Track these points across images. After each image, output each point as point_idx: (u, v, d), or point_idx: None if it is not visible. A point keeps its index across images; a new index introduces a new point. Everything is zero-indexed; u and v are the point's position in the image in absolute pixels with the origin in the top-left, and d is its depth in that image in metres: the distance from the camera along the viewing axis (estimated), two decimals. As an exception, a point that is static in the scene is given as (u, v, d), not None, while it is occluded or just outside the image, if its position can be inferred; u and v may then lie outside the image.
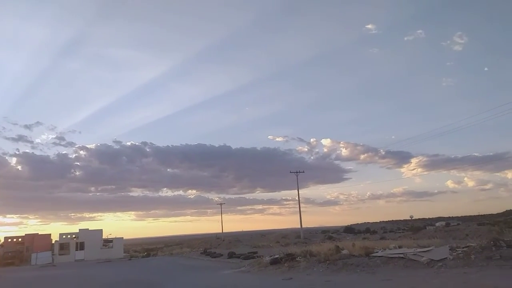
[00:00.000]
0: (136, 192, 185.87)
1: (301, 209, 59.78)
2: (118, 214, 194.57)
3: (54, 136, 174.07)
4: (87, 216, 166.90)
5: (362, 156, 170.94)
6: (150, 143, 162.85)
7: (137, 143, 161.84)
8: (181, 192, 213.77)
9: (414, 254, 14.07)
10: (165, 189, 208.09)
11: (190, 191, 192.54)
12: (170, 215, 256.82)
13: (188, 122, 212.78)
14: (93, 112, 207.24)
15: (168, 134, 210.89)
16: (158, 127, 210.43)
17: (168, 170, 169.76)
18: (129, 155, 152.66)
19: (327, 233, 78.46)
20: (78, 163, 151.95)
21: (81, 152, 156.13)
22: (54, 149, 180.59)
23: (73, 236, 46.28)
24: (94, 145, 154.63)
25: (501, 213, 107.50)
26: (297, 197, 60.45)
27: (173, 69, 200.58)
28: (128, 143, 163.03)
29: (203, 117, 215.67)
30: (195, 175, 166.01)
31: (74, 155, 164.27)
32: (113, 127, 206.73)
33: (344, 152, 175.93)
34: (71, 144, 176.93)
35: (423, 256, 13.71)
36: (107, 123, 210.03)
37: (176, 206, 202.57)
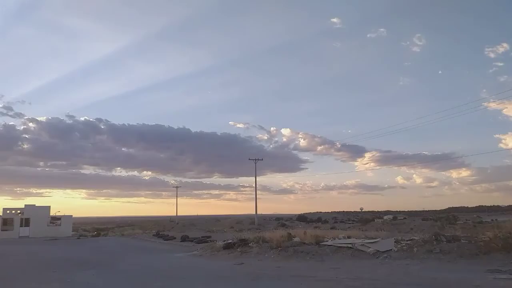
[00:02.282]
0: (88, 170, 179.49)
1: (257, 196, 60.37)
2: (68, 191, 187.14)
3: (0, 105, 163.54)
4: (34, 191, 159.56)
5: (319, 148, 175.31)
6: (105, 120, 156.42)
7: (91, 119, 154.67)
8: (135, 173, 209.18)
9: (361, 245, 14.57)
10: (119, 168, 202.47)
11: (145, 172, 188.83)
12: (123, 195, 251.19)
13: (147, 101, 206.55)
14: (46, 83, 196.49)
15: (125, 112, 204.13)
16: (115, 104, 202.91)
17: (123, 149, 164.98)
18: (82, 131, 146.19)
19: (281, 221, 79.96)
20: (26, 136, 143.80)
21: (30, 124, 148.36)
22: (0, 119, 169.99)
23: (18, 211, 44.08)
24: (45, 118, 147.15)
25: (444, 209, 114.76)
26: (254, 184, 60.85)
27: (133, 45, 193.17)
28: (82, 119, 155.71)
29: (162, 98, 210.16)
30: (151, 156, 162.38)
31: (22, 127, 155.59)
32: (66, 100, 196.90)
33: (302, 142, 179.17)
34: (19, 115, 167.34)
35: (369, 247, 14.21)
36: (60, 96, 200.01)
37: (130, 186, 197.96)
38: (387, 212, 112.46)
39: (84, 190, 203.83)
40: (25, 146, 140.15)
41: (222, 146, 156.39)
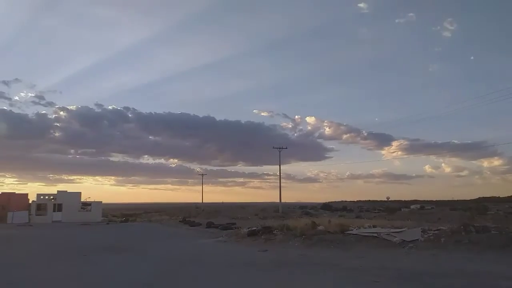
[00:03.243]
0: (117, 157, 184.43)
1: (281, 184, 60.75)
2: (98, 178, 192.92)
3: (33, 95, 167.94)
4: (66, 178, 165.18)
5: (344, 136, 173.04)
6: (133, 108, 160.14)
7: (119, 108, 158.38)
8: (162, 161, 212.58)
9: (387, 234, 14.47)
10: (146, 156, 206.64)
11: (171, 160, 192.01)
12: (150, 182, 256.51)
13: (172, 90, 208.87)
14: (74, 72, 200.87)
15: (151, 101, 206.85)
16: (141, 93, 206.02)
17: (150, 137, 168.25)
18: (111, 119, 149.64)
19: (305, 209, 79.51)
20: (57, 124, 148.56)
21: (61, 113, 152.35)
22: (33, 108, 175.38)
23: (51, 197, 45.87)
24: (74, 106, 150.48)
25: (474, 199, 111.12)
26: (279, 172, 61.39)
27: (159, 35, 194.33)
28: (110, 107, 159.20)
29: (187, 86, 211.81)
30: (177, 144, 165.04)
31: (53, 116, 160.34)
32: (94, 89, 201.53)
33: (328, 131, 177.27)
34: (51, 104, 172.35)
35: (395, 237, 14.10)
36: (89, 85, 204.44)
37: (156, 174, 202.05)
38: (414, 202, 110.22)
39: (112, 177, 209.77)
40: (57, 134, 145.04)
41: (247, 134, 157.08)
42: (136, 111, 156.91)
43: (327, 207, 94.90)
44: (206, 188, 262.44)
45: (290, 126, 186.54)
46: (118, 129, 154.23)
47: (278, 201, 60.53)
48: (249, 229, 19.60)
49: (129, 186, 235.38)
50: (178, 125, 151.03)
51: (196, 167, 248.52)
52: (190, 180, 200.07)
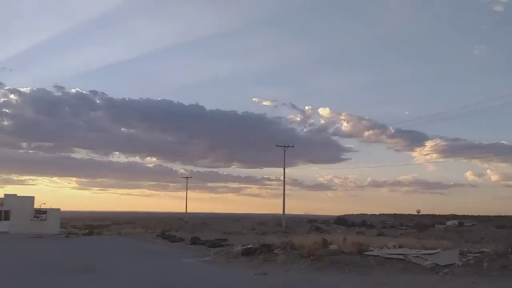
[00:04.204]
0: (80, 154, 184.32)
1: (286, 191, 60.82)
2: (56, 179, 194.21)
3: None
4: (16, 178, 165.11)
5: (366, 133, 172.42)
6: (102, 93, 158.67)
7: (84, 92, 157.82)
8: (137, 159, 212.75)
9: (416, 257, 14.58)
10: (117, 153, 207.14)
11: (149, 158, 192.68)
12: (122, 186, 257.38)
13: (152, 71, 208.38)
14: (30, 46, 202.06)
15: (125, 83, 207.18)
16: (113, 74, 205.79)
17: (122, 129, 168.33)
18: (74, 106, 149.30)
19: (314, 223, 79.93)
20: (6, 110, 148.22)
21: (12, 96, 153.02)
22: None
23: (-4, 202, 45.88)
24: (28, 89, 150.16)
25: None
26: (283, 176, 61.19)
27: (137, 1, 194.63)
28: (73, 91, 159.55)
29: (171, 67, 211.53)
30: (156, 139, 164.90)
31: (1, 100, 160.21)
32: (54, 68, 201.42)
33: (345, 126, 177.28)
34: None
35: (426, 260, 14.21)
36: (48, 62, 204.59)
37: (130, 175, 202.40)
38: (451, 217, 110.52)
39: (74, 179, 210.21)
40: (5, 123, 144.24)
41: (244, 128, 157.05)
42: (105, 96, 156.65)
43: (342, 221, 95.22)
44: (192, 194, 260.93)
45: (299, 119, 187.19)
46: (83, 119, 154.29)
47: (281, 212, 60.64)
48: (244, 246, 19.70)
49: (95, 190, 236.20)
50: (158, 115, 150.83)
51: (180, 168, 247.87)
52: (171, 185, 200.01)
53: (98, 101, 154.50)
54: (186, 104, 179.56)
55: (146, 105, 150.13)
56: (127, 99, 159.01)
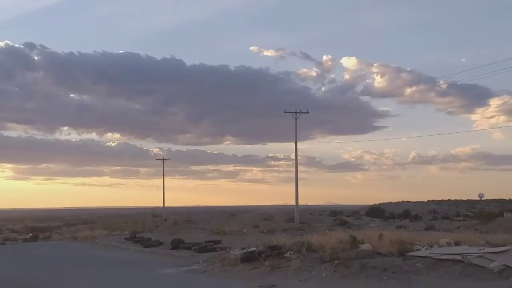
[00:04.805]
0: (16, 131, 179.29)
1: (299, 174, 59.06)
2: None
3: None
4: None
5: (408, 90, 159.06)
6: (41, 46, 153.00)
7: (17, 45, 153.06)
8: (94, 136, 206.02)
9: (479, 257, 13.93)
10: (65, 128, 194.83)
11: (110, 134, 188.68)
12: (74, 173, 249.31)
13: (110, 13, 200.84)
14: None
15: (73, 32, 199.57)
16: (56, 19, 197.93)
17: (71, 96, 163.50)
18: (4, 64, 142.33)
19: (339, 216, 78.96)
20: None
21: None
22: None
23: None
24: None
25: None
26: (294, 154, 58.35)
27: None
28: (1, 44, 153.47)
29: (136, 7, 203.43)
30: (119, 108, 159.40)
31: None
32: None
33: (379, 82, 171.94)
34: None
35: (493, 260, 13.49)
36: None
37: (85, 159, 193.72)
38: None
39: (9, 165, 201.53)
40: None
41: (239, 89, 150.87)
42: (47, 50, 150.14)
43: (377, 212, 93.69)
44: (171, 182, 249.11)
45: (315, 74, 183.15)
46: (16, 82, 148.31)
47: (293, 203, 58.64)
48: (244, 250, 19.41)
49: (38, 180, 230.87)
50: (120, 74, 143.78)
51: (153, 146, 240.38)
52: (142, 170, 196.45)
53: (36, 58, 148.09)
54: (158, 57, 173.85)
55: (103, 61, 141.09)
56: (76, 54, 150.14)
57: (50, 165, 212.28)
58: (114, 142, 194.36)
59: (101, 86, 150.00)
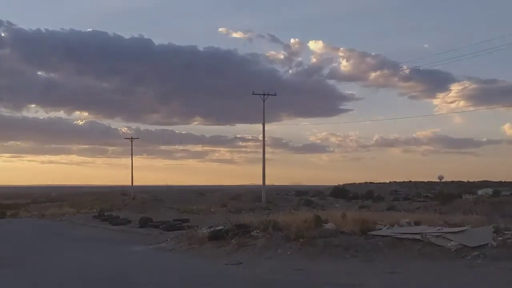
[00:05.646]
0: None
1: (267, 155, 60.95)
2: None
3: None
4: None
5: (372, 75, 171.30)
6: (7, 22, 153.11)
7: None
8: (61, 114, 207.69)
9: (437, 236, 14.62)
10: (33, 106, 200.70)
11: (78, 113, 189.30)
12: (42, 151, 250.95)
13: None
14: None
15: (41, 9, 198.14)
16: None
17: (39, 73, 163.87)
18: None
19: (305, 196, 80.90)
20: None
21: None
22: None
23: None
24: None
25: None
26: (262, 135, 60.84)
27: None
28: None
29: None
30: (87, 87, 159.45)
31: None
32: None
33: (345, 65, 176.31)
34: None
35: (451, 240, 14.20)
36: None
37: (53, 137, 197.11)
38: (484, 184, 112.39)
39: None
40: None
41: (208, 70, 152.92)
42: (13, 26, 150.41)
43: (341, 192, 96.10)
44: (140, 161, 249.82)
45: (282, 56, 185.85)
46: None
47: (261, 183, 60.71)
48: (212, 229, 19.73)
49: (5, 158, 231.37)
50: (88, 52, 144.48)
51: (121, 125, 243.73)
52: (110, 149, 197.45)
53: (2, 34, 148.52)
54: (127, 36, 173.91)
55: (71, 39, 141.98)
56: (44, 31, 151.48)
57: (18, 143, 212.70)
58: (82, 121, 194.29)
59: (69, 64, 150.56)
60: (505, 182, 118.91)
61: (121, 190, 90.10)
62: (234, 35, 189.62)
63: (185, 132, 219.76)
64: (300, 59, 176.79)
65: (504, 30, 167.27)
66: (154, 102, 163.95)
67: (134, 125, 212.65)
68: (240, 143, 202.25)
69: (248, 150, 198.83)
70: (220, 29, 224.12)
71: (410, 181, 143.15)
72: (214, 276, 12.74)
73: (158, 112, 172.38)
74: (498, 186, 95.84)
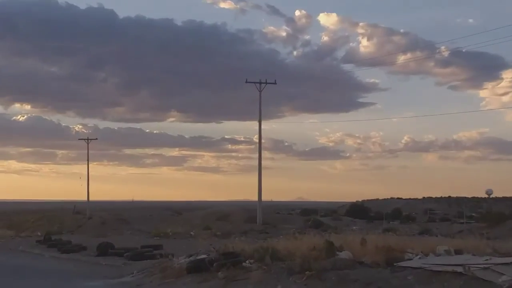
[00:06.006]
0: None
1: (264, 162, 59.24)
2: None
3: None
4: None
5: (401, 58, 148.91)
6: None
7: None
8: None
9: (485, 269, 13.47)
10: None
11: (18, 105, 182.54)
12: None
13: None
14: None
15: None
16: None
17: None
18: None
19: (312, 216, 79.33)
20: None
21: None
22: None
23: None
24: None
25: None
26: (258, 136, 58.50)
27: None
28: None
29: None
30: (31, 72, 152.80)
31: None
32: None
33: (365, 46, 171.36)
34: None
35: (503, 274, 13.05)
36: None
37: None
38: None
39: None
40: None
41: (187, 51, 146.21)
42: None
43: (360, 211, 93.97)
44: (98, 169, 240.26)
45: (284, 34, 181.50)
46: None
47: (256, 199, 59.29)
48: (192, 258, 19.18)
49: None
50: (33, 27, 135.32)
51: (75, 122, 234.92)
52: (60, 152, 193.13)
53: None
54: (82, 6, 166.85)
55: (9, 9, 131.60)
56: None
57: None
58: (23, 116, 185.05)
59: (6, 41, 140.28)
60: None
61: (73, 207, 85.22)
62: (222, 5, 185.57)
63: (157, 132, 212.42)
64: (307, 37, 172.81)
65: None
66: (117, 92, 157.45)
67: (91, 121, 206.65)
68: (229, 146, 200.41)
69: (239, 155, 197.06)
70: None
71: (449, 196, 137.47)
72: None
73: (123, 105, 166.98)
74: None
